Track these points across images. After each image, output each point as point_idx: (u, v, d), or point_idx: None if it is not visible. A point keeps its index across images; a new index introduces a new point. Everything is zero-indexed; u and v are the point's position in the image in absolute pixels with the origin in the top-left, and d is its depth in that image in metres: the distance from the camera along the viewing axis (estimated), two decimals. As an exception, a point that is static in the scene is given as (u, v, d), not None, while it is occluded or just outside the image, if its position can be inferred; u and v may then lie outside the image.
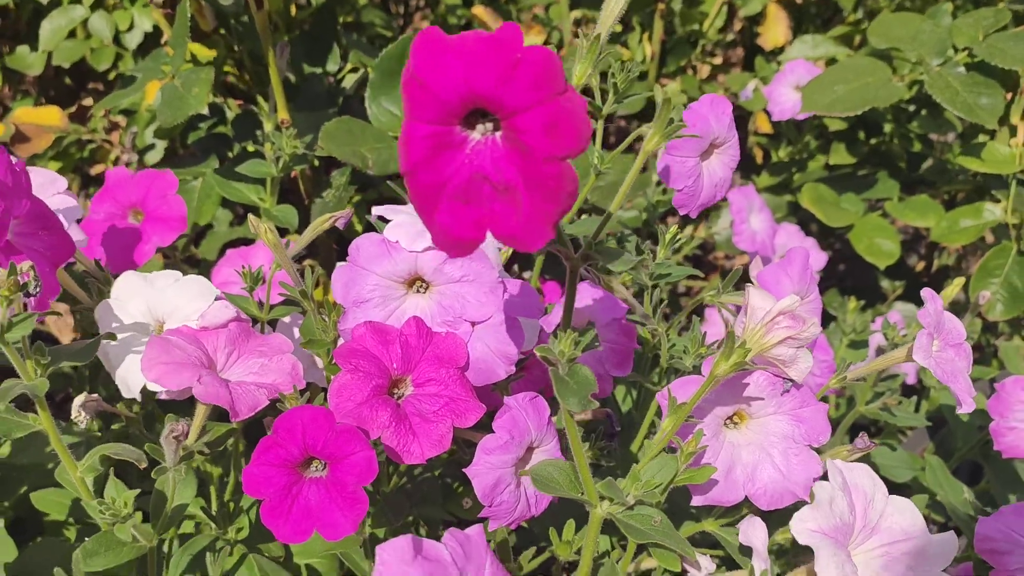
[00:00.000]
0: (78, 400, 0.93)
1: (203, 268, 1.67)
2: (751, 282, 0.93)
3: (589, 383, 0.80)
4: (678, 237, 1.08)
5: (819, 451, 0.88)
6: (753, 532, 0.88)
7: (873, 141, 2.08)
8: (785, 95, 2.01)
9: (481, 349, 0.89)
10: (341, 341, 0.94)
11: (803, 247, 0.98)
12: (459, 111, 0.58)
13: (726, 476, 0.87)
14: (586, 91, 0.88)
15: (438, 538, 1.08)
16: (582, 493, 0.85)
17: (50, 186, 1.09)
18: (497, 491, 0.87)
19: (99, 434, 1.12)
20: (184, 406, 1.00)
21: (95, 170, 1.85)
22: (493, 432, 0.87)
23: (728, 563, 0.95)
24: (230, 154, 1.61)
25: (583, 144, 0.56)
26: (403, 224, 0.90)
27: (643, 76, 2.13)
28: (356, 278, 0.90)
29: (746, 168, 2.29)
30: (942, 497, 1.22)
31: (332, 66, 1.65)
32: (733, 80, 2.20)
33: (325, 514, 0.80)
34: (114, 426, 1.13)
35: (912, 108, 1.96)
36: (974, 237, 1.72)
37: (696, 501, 0.88)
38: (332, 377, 0.90)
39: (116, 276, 1.06)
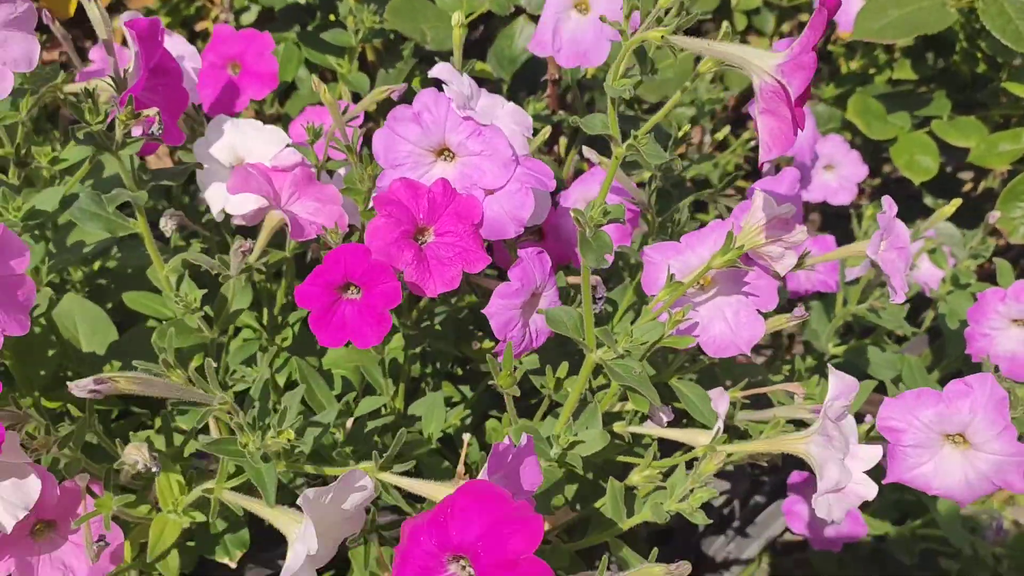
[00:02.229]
0: (165, 214, 1.13)
1: (286, 124, 1.86)
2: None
3: (607, 245, 0.96)
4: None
5: (765, 316, 1.02)
6: (719, 402, 1.08)
7: (953, 59, 2.07)
8: (854, 7, 2.02)
9: (496, 210, 1.07)
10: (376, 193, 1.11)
11: (794, 169, 1.10)
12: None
13: (686, 326, 1.01)
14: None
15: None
16: (583, 338, 0.99)
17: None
18: (509, 328, 1.05)
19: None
20: (252, 232, 1.20)
21: (199, 27, 2.04)
22: (508, 280, 1.04)
23: (683, 414, 1.11)
24: (310, 27, 1.78)
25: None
26: (456, 94, 1.07)
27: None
28: (393, 144, 1.07)
29: (828, 75, 2.30)
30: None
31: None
32: (806, -15, 2.21)
33: (357, 328, 1.00)
34: (195, 243, 1.34)
35: (990, 29, 1.95)
36: (1010, 161, 1.77)
37: None
38: (367, 221, 1.09)
39: (209, 119, 1.26)
